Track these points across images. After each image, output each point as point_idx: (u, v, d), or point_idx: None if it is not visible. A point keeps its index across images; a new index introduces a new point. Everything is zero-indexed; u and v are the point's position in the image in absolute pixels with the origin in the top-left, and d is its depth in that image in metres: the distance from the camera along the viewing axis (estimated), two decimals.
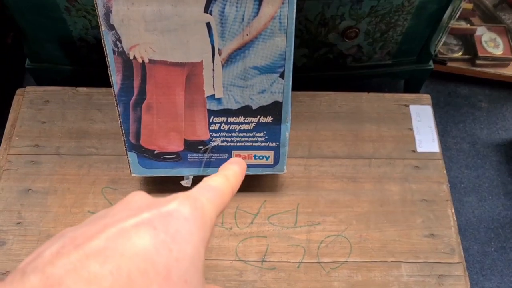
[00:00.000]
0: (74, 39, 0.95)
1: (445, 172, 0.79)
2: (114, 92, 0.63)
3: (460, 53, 1.24)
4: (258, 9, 0.56)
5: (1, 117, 1.12)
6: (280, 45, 0.59)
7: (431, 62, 1.10)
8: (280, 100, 0.64)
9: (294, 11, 0.57)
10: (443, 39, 1.21)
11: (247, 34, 0.58)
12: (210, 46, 0.59)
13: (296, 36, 0.94)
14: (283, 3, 0.56)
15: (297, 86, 0.99)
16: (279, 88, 0.63)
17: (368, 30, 0.95)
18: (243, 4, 0.55)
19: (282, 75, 0.62)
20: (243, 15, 0.56)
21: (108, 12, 0.56)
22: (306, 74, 1.05)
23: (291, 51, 0.60)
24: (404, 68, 1.09)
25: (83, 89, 0.84)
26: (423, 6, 0.91)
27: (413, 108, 0.84)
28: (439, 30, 1.00)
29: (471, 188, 1.13)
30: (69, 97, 0.83)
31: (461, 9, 1.10)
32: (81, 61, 1.02)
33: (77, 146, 0.78)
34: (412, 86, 1.16)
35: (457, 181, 1.13)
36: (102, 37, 0.59)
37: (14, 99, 0.83)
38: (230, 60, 0.60)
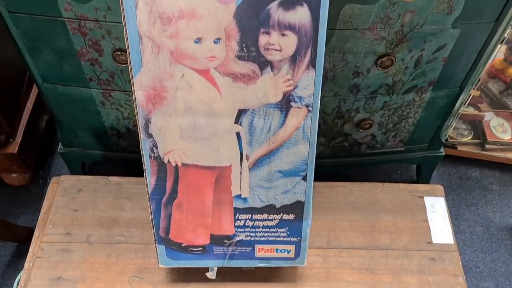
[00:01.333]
0: (106, 128, 1.02)
1: (460, 264, 0.81)
2: (148, 191, 0.68)
3: (469, 138, 1.29)
4: (284, 120, 0.62)
5: (31, 195, 1.18)
6: (303, 152, 0.64)
7: (442, 149, 1.14)
8: (302, 200, 0.69)
9: (317, 122, 0.63)
10: (453, 125, 1.27)
11: (273, 142, 0.63)
12: (239, 152, 0.64)
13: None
14: (306, 116, 0.62)
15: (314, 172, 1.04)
16: (301, 189, 0.68)
17: (381, 122, 1.01)
18: (270, 117, 0.61)
19: (304, 178, 0.67)
20: (270, 126, 0.62)
21: (147, 123, 0.62)
22: (322, 161, 1.10)
23: (313, 157, 0.65)
24: (416, 155, 1.13)
25: (114, 179, 0.89)
26: (433, 101, 0.97)
27: (427, 200, 0.88)
28: (450, 119, 1.05)
29: (487, 273, 1.14)
30: (101, 186, 0.88)
31: (471, 96, 1.16)
32: (111, 147, 1.08)
33: (107, 234, 0.83)
34: (424, 170, 1.20)
35: (472, 265, 1.14)
36: (140, 144, 0.64)
37: (49, 187, 0.89)
38: (256, 164, 0.65)
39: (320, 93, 0.60)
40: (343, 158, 1.11)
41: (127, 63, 0.76)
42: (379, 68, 0.86)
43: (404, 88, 0.93)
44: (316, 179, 0.91)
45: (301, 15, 0.55)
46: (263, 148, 0.64)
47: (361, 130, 1.02)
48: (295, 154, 0.65)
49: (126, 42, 0.56)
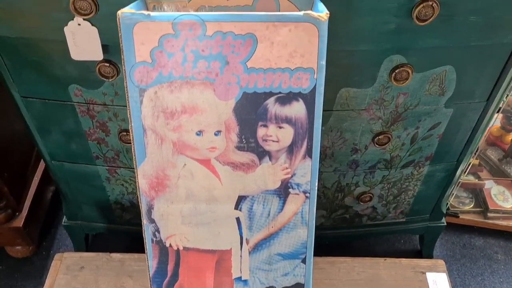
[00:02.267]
0: (110, 202, 1.04)
1: None
2: (149, 274, 0.69)
3: (471, 206, 1.30)
4: (283, 206, 0.64)
5: (34, 268, 1.18)
6: (302, 235, 0.66)
7: (443, 219, 1.15)
8: (302, 282, 0.69)
9: (315, 207, 0.64)
10: (454, 193, 1.28)
11: (272, 227, 0.65)
12: (239, 236, 0.66)
13: None
14: (304, 201, 0.63)
15: (314, 244, 1.04)
16: (301, 272, 0.68)
17: (381, 194, 1.02)
18: (269, 203, 0.63)
19: (304, 261, 0.68)
20: (269, 211, 0.64)
21: (150, 209, 0.64)
22: (323, 232, 1.10)
23: (312, 240, 0.66)
24: (418, 226, 1.14)
25: (116, 255, 0.90)
26: (432, 174, 0.99)
27: (429, 276, 0.87)
28: (450, 189, 1.06)
29: None
30: (103, 263, 0.89)
31: (470, 165, 1.18)
32: (114, 220, 1.09)
33: None
34: (427, 240, 1.20)
35: None
36: (143, 228, 0.66)
37: (52, 264, 0.89)
38: (256, 248, 0.66)
39: (317, 179, 0.62)
40: (344, 229, 1.12)
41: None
42: (376, 145, 0.89)
43: (402, 163, 0.95)
44: (317, 250, 0.92)
45: (297, 109, 0.58)
46: (263, 232, 0.65)
47: (362, 203, 1.03)
48: (294, 238, 0.66)
49: (130, 134, 0.59)
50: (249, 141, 0.59)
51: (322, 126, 0.85)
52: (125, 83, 0.56)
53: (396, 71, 0.76)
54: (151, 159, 0.60)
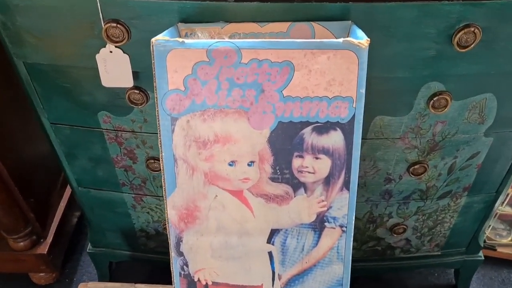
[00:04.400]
0: (135, 230, 1.02)
1: None
2: None
3: (509, 238, 1.23)
4: (318, 240, 0.60)
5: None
6: (338, 272, 0.62)
7: (481, 253, 1.09)
8: None
9: (351, 242, 0.61)
10: (491, 225, 1.22)
11: (306, 262, 0.62)
12: (271, 272, 0.62)
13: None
14: (341, 236, 0.60)
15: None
16: None
17: (415, 226, 0.98)
18: (303, 237, 0.60)
19: None
20: (303, 246, 0.61)
21: (179, 241, 0.62)
22: (353, 265, 1.05)
23: (348, 277, 0.63)
24: (454, 259, 1.08)
25: (141, 286, 0.87)
26: (469, 205, 0.94)
27: None
28: (487, 221, 1.01)
29: None
30: None
31: (509, 196, 1.13)
32: (139, 248, 1.07)
33: None
34: (463, 274, 1.14)
35: None
36: (171, 261, 0.63)
37: None
38: (289, 284, 0.63)
39: (354, 213, 0.59)
40: (375, 262, 1.07)
41: (160, 170, 0.77)
42: (411, 175, 0.85)
43: (438, 193, 0.91)
44: None
45: (334, 139, 0.55)
46: (296, 268, 0.62)
47: (395, 235, 0.99)
48: (329, 274, 0.62)
49: (161, 164, 0.57)
50: (283, 172, 0.56)
51: None
52: (156, 112, 0.55)
53: (434, 98, 0.73)
54: (181, 189, 0.58)
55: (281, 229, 0.60)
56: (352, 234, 0.60)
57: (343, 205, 0.58)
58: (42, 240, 1.08)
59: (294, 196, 0.58)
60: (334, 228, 0.59)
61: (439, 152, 0.83)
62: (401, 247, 1.04)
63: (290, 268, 0.62)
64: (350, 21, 0.60)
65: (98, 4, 0.62)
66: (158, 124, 0.55)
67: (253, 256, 0.61)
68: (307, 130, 0.54)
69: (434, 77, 0.71)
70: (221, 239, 0.61)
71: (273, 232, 0.60)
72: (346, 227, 0.59)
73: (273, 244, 0.61)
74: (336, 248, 0.61)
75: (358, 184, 0.87)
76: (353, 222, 0.59)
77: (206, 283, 0.64)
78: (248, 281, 0.63)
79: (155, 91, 0.54)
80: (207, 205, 0.59)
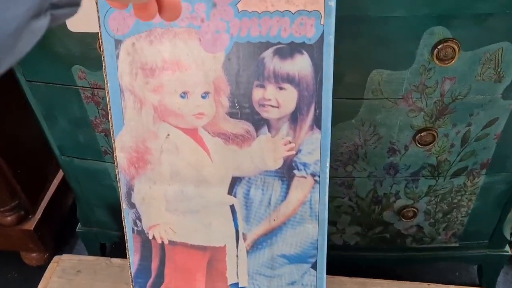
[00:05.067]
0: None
1: None
2: (130, 273, 0.58)
3: None
4: (287, 193, 0.52)
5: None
6: (312, 232, 0.53)
7: (507, 247, 0.96)
8: None
9: (327, 196, 0.52)
10: None
11: (274, 219, 0.53)
12: (234, 230, 0.54)
13: (346, 213, 0.88)
14: (313, 187, 0.51)
15: (349, 267, 0.89)
16: (311, 281, 0.55)
17: (428, 210, 0.87)
18: (269, 187, 0.51)
19: (314, 266, 0.55)
20: (270, 199, 0.52)
21: (130, 191, 0.54)
22: (360, 254, 0.95)
23: (324, 240, 0.54)
24: (474, 253, 0.96)
25: (116, 261, 0.81)
26: (489, 186, 0.83)
27: None
28: None
29: None
30: (102, 268, 0.80)
31: None
32: None
33: None
34: (486, 272, 1.01)
35: None
36: (122, 214, 0.56)
37: (48, 266, 0.81)
38: (255, 246, 0.54)
39: (328, 159, 0.50)
40: (384, 251, 0.96)
41: None
42: (418, 145, 0.75)
43: (452, 170, 0.80)
44: (352, 274, 0.77)
45: (300, 64, 0.46)
46: (263, 226, 0.53)
47: (404, 220, 0.88)
48: (302, 235, 0.53)
49: (107, 97, 0.51)
50: (243, 106, 0.48)
51: (351, 118, 0.74)
52: (99, 35, 0.48)
53: (439, 47, 0.63)
54: (129, 127, 0.51)
55: (244, 178, 0.51)
56: (327, 186, 0.51)
57: (314, 148, 0.49)
58: (30, 216, 1.04)
59: (257, 136, 0.49)
60: (304, 177, 0.50)
61: (450, 117, 0.72)
62: (413, 235, 0.93)
63: (256, 227, 0.53)
64: None
65: None
66: (102, 50, 0.49)
67: (213, 210, 0.53)
68: (267, 54, 0.46)
69: (437, 19, 0.61)
70: (176, 188, 0.53)
71: (235, 181, 0.52)
72: (319, 176, 0.50)
73: (235, 196, 0.52)
74: (309, 202, 0.52)
75: (358, 155, 0.78)
76: (328, 171, 0.50)
77: (162, 241, 0.56)
78: (209, 241, 0.55)
79: (96, 9, 0.48)
80: (159, 146, 0.51)
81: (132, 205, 0.55)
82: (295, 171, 0.50)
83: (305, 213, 0.52)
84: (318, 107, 0.48)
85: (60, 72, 0.75)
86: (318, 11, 0.44)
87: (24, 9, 0.24)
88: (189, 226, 0.54)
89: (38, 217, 1.04)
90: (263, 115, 0.48)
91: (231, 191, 0.52)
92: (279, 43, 0.46)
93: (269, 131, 0.49)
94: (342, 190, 0.84)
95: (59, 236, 1.17)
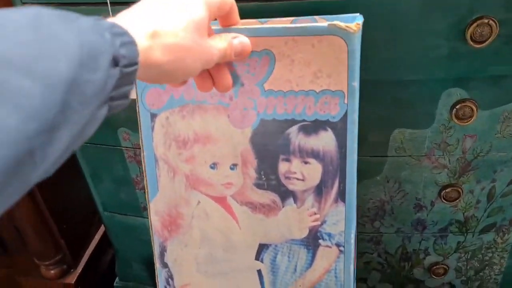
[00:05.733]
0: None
1: None
2: None
3: None
4: (312, 261, 0.53)
5: None
6: None
7: None
8: None
9: (352, 266, 0.54)
10: None
11: (300, 286, 0.55)
12: None
13: (376, 270, 0.89)
14: (338, 257, 0.53)
15: None
16: None
17: (458, 267, 0.87)
18: (295, 255, 0.53)
19: None
20: (296, 266, 0.54)
21: (163, 251, 0.58)
22: None
23: None
24: None
25: None
26: None
27: None
28: None
29: None
30: None
31: None
32: None
33: None
34: None
35: None
36: (156, 273, 0.60)
37: None
38: None
39: (352, 230, 0.51)
40: None
41: None
42: (444, 201, 0.77)
43: (480, 226, 0.81)
44: None
45: (325, 140, 0.49)
46: None
47: (435, 277, 0.88)
48: None
49: (143, 165, 0.56)
50: (269, 178, 0.50)
51: (376, 175, 0.77)
52: (137, 108, 0.54)
53: (457, 107, 0.67)
54: (163, 193, 0.55)
55: (271, 245, 0.53)
56: (353, 255, 0.52)
57: (338, 219, 0.51)
58: (72, 270, 1.09)
59: (283, 207, 0.51)
60: (330, 247, 0.52)
61: (473, 173, 0.74)
62: None
63: None
64: (358, 13, 0.55)
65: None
66: (139, 121, 0.54)
67: (241, 274, 0.55)
68: (293, 130, 0.49)
69: (454, 81, 0.66)
70: (206, 252, 0.56)
71: (262, 248, 0.53)
72: (343, 246, 0.52)
73: (262, 262, 0.54)
74: (334, 271, 0.53)
75: (385, 211, 0.80)
76: (353, 241, 0.51)
77: None
78: None
79: (135, 86, 0.55)
80: (190, 212, 0.55)
81: (165, 265, 0.59)
82: (320, 241, 0.52)
83: (330, 281, 0.53)
84: (342, 180, 0.50)
85: (107, 134, 0.82)
86: (341, 90, 0.47)
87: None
88: (218, 287, 0.57)
89: (79, 271, 1.09)
90: (289, 187, 0.51)
91: (258, 257, 0.54)
92: (304, 120, 0.49)
93: (295, 202, 0.51)
94: (370, 246, 0.85)
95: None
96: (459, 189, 0.76)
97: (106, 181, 0.90)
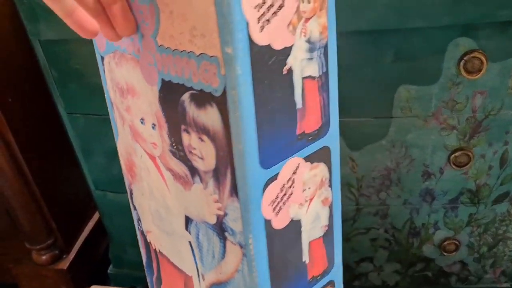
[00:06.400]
0: None
1: None
2: (144, 262, 0.58)
3: None
4: (224, 252, 0.44)
5: None
6: None
7: None
8: None
9: (256, 273, 0.42)
10: None
11: (220, 273, 0.46)
12: (195, 266, 0.48)
13: (383, 247, 0.84)
14: (242, 259, 0.42)
15: None
16: None
17: (471, 243, 0.81)
18: (211, 239, 0.44)
19: None
20: (213, 251, 0.45)
21: (131, 194, 0.54)
22: None
23: None
24: None
25: None
26: None
27: None
28: None
29: None
30: None
31: None
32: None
33: None
34: None
35: None
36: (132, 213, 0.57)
37: None
38: None
39: (250, 233, 0.40)
40: None
41: None
42: (453, 166, 0.72)
43: (493, 195, 0.76)
44: None
45: (212, 117, 0.37)
46: (214, 275, 0.47)
47: (446, 254, 0.83)
48: None
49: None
50: (178, 148, 0.42)
51: (381, 139, 0.72)
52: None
53: (465, 58, 0.63)
54: (121, 138, 0.50)
55: (193, 220, 0.46)
56: (261, 264, 0.41)
57: (236, 217, 0.40)
58: (64, 256, 1.04)
59: (193, 183, 0.43)
60: (234, 244, 0.43)
61: (484, 135, 0.70)
62: (457, 274, 0.86)
63: (208, 272, 0.47)
64: None
65: None
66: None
67: (179, 239, 0.49)
68: (185, 98, 0.38)
69: (461, 30, 0.61)
70: (154, 207, 0.50)
71: (188, 220, 0.46)
72: (245, 248, 0.41)
73: (189, 234, 0.47)
74: (241, 272, 0.43)
75: (391, 180, 0.76)
76: (253, 247, 0.41)
77: (155, 248, 0.54)
78: (181, 266, 0.50)
79: None
80: (138, 163, 0.49)
81: (134, 207, 0.55)
82: (226, 234, 0.43)
83: (240, 282, 0.44)
84: (233, 171, 0.38)
85: (97, 103, 0.79)
86: (216, 57, 0.34)
87: None
88: (168, 244, 0.51)
89: (72, 257, 1.04)
90: (193, 163, 0.42)
91: (187, 227, 0.47)
92: (191, 88, 0.38)
93: (201, 181, 0.42)
94: (376, 220, 0.81)
95: (91, 278, 1.16)
96: (470, 153, 0.71)
97: (98, 155, 0.86)
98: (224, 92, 0.34)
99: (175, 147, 0.42)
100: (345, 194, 0.78)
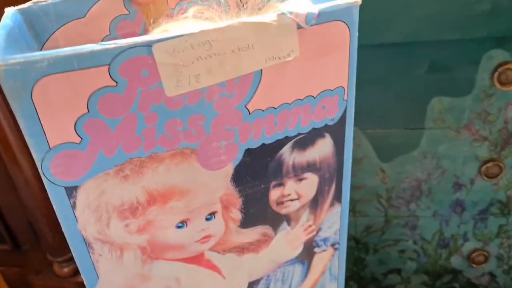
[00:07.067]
0: None
1: None
2: None
3: None
4: (307, 271, 0.47)
5: None
6: None
7: None
8: None
9: (344, 259, 0.48)
10: None
11: None
12: None
13: (411, 259, 0.84)
14: (333, 256, 0.47)
15: None
16: None
17: (500, 255, 0.81)
18: (289, 275, 0.47)
19: None
20: (290, 284, 0.48)
21: None
22: None
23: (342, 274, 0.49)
24: None
25: None
26: None
27: None
28: None
29: None
30: None
31: None
32: None
33: None
34: None
35: None
36: None
37: None
38: None
39: (346, 226, 0.45)
40: None
41: None
42: (485, 178, 0.72)
43: None
44: None
45: (322, 149, 0.39)
46: None
47: (474, 265, 0.82)
48: None
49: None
50: (258, 212, 0.42)
51: (412, 150, 0.72)
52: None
53: (499, 70, 0.63)
54: (107, 281, 0.40)
55: (262, 278, 0.45)
56: (345, 249, 0.46)
57: (334, 221, 0.44)
58: None
59: (275, 235, 0.43)
60: (325, 250, 0.46)
61: None
62: (485, 285, 0.86)
63: None
64: None
65: None
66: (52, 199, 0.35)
67: None
68: (285, 149, 0.38)
69: (495, 42, 0.62)
70: None
71: (252, 285, 0.45)
72: (338, 243, 0.46)
73: None
74: (329, 269, 0.47)
75: (422, 191, 0.76)
76: (346, 237, 0.46)
77: None
78: None
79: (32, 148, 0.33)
80: (156, 285, 0.43)
81: None
82: (316, 249, 0.45)
83: (325, 280, 0.47)
84: (339, 182, 0.41)
85: None
86: (342, 86, 0.36)
87: None
88: None
89: None
90: (281, 212, 0.42)
91: None
92: (298, 134, 0.38)
93: (288, 225, 0.43)
94: (405, 232, 0.80)
95: None
96: (501, 164, 0.71)
97: None
98: (343, 115, 0.38)
99: (251, 216, 0.40)
100: (374, 205, 0.78)
